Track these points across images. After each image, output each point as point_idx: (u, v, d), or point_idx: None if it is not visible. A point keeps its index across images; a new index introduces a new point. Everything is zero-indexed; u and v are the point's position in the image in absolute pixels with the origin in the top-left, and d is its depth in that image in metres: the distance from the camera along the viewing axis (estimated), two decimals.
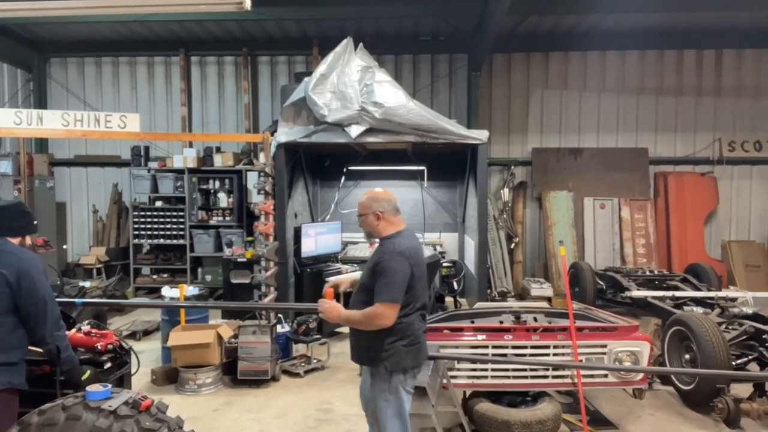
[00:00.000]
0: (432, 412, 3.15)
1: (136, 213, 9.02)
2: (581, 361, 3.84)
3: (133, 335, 6.64)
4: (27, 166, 8.32)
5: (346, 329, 6.84)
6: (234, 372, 5.19)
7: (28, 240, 3.03)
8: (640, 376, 3.95)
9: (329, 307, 2.94)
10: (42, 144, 9.71)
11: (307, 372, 5.48)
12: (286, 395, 4.97)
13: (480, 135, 6.87)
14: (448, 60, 9.66)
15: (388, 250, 2.88)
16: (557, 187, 9.31)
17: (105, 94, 9.94)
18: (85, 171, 10.00)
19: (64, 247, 9.52)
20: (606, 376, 3.92)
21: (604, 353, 3.92)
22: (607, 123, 9.60)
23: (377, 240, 3.05)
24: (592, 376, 3.92)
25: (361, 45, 6.99)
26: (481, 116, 9.14)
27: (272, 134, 6.88)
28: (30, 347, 2.86)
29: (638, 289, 6.81)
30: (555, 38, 9.27)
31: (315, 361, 5.64)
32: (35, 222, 3.09)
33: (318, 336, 5.74)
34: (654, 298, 6.34)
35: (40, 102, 9.70)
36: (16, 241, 2.90)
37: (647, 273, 7.73)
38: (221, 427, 4.35)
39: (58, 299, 3.00)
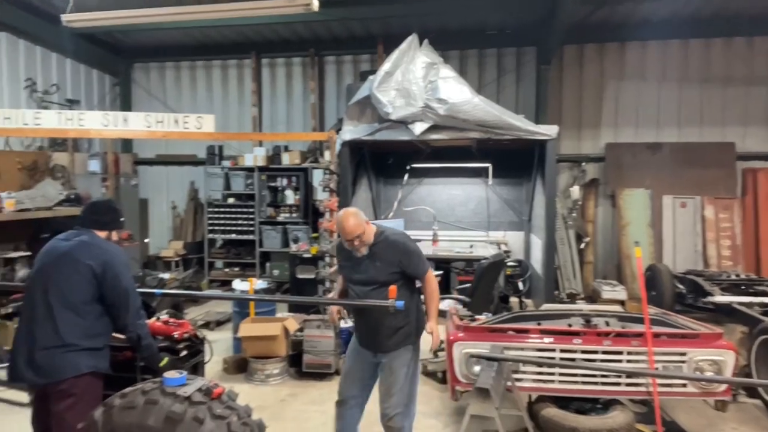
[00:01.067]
0: (495, 414, 3.08)
1: (210, 209, 9.48)
2: (657, 369, 3.62)
3: (206, 325, 6.96)
4: (114, 165, 8.94)
5: None
6: (299, 364, 5.32)
7: (115, 236, 3.17)
8: (723, 387, 3.67)
9: (437, 334, 3.33)
10: (127, 144, 10.41)
11: None
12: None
13: (549, 130, 6.64)
14: (515, 53, 9.41)
15: (397, 240, 3.30)
16: (633, 185, 8.82)
17: (183, 97, 10.50)
18: (165, 169, 10.60)
19: (146, 240, 10.16)
20: (685, 385, 3.67)
21: (684, 361, 3.67)
22: (689, 116, 8.98)
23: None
24: (669, 385, 3.68)
25: (425, 41, 6.95)
26: (550, 111, 8.82)
27: (337, 132, 7.00)
28: (113, 334, 3.05)
29: (722, 294, 6.32)
30: (631, 27, 8.75)
31: None
32: (122, 219, 3.22)
33: None
34: (740, 304, 5.85)
35: (125, 105, 10.40)
36: (103, 234, 3.07)
37: (733, 277, 7.15)
38: (287, 417, 4.48)
39: (139, 290, 3.15)
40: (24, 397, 4.31)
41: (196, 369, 3.71)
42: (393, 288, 3.19)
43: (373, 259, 3.27)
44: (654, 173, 8.81)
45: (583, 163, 9.17)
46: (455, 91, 6.36)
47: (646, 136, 9.08)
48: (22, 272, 6.02)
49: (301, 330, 5.41)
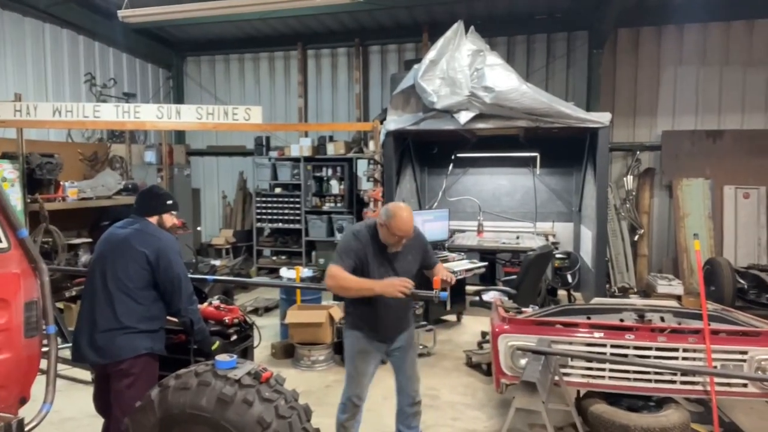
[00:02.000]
0: (542, 408, 3.02)
1: (258, 199, 9.71)
2: (716, 367, 3.45)
3: (255, 311, 7.16)
4: (168, 156, 9.26)
5: (451, 317, 6.82)
6: (343, 352, 5.38)
7: (168, 221, 3.28)
8: None
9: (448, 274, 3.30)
10: (180, 135, 10.77)
11: None
12: (393, 378, 5.05)
13: (601, 118, 6.40)
14: (565, 38, 9.09)
15: (420, 231, 3.36)
16: (691, 174, 8.40)
17: (232, 89, 10.75)
18: (216, 160, 10.93)
19: (199, 228, 10.52)
20: (745, 385, 3.49)
21: (744, 360, 3.48)
22: (754, 101, 8.44)
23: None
24: (728, 384, 3.51)
25: (472, 28, 6.81)
26: (602, 97, 8.49)
27: (381, 122, 6.99)
28: (168, 317, 3.17)
29: None
30: (692, 7, 8.26)
31: (421, 347, 5.66)
32: (169, 201, 3.31)
33: (424, 323, 5.77)
34: None
35: (178, 97, 10.76)
36: (153, 219, 3.20)
37: None
38: (332, 402, 4.51)
39: (192, 276, 3.28)
40: (86, 375, 4.58)
41: (246, 353, 3.81)
42: (437, 279, 3.19)
43: (405, 253, 3.27)
44: (715, 162, 8.37)
45: (638, 152, 8.81)
46: (502, 79, 6.21)
47: (706, 123, 8.61)
48: (84, 257, 6.35)
49: None
